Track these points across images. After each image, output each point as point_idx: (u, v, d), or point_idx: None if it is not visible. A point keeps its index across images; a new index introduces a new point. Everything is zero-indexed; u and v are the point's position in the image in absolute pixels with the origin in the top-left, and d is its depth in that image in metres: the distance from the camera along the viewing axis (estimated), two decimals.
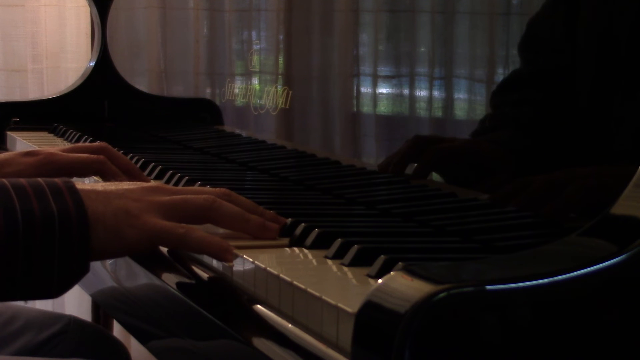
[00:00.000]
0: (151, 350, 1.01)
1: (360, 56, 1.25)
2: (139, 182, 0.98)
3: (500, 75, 0.98)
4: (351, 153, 1.26)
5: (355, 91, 1.25)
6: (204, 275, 0.91)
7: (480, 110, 1.01)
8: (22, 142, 1.79)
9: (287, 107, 1.41)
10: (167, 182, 1.27)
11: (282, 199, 1.26)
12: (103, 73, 2.06)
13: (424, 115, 1.10)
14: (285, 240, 0.94)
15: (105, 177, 1.20)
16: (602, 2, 0.87)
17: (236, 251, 0.88)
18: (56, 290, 0.87)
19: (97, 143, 1.28)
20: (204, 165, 1.52)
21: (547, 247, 0.69)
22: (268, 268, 0.82)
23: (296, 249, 0.92)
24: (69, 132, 1.81)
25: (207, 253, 0.90)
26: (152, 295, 1.00)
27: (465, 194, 1.00)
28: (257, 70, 1.54)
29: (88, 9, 2.38)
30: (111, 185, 0.93)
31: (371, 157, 1.21)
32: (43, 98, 2.13)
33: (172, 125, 1.87)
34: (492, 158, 0.98)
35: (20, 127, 1.97)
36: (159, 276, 0.96)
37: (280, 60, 1.47)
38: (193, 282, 0.92)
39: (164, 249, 0.97)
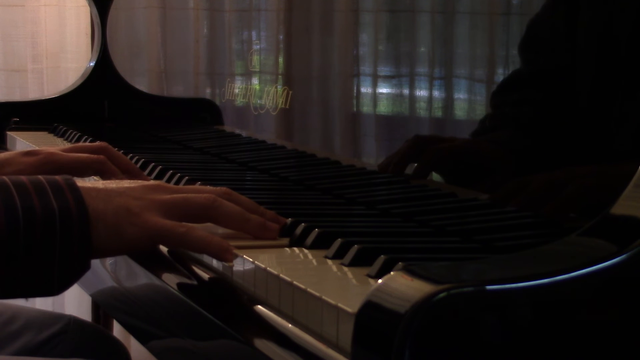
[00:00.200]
0: (151, 350, 1.01)
1: (360, 56, 1.25)
2: (140, 181, 0.98)
3: (500, 75, 0.98)
4: (351, 153, 1.26)
5: (355, 91, 1.25)
6: (204, 275, 0.91)
7: (480, 110, 1.01)
8: (22, 142, 1.79)
9: (287, 107, 1.41)
10: (167, 182, 1.27)
11: (282, 199, 1.26)
12: (103, 73, 2.06)
13: (424, 115, 1.10)
14: (285, 240, 0.94)
15: (105, 177, 1.20)
16: (602, 2, 0.87)
17: (236, 251, 0.88)
18: (57, 287, 0.87)
19: (97, 143, 1.28)
20: (204, 165, 1.52)
21: (547, 247, 0.69)
22: (268, 268, 0.82)
23: (296, 249, 0.92)
24: (69, 132, 1.81)
25: (207, 253, 0.90)
26: (152, 295, 1.00)
27: (465, 194, 1.00)
28: (257, 70, 1.54)
29: (88, 9, 2.38)
30: (112, 183, 0.93)
31: (371, 157, 1.21)
32: (43, 98, 2.13)
33: (172, 125, 1.87)
34: (492, 158, 0.98)
35: (20, 127, 1.97)
36: (159, 276, 0.96)
37: (280, 60, 1.47)
38: (193, 282, 0.92)
39: (164, 249, 0.97)
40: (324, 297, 0.72)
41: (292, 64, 1.45)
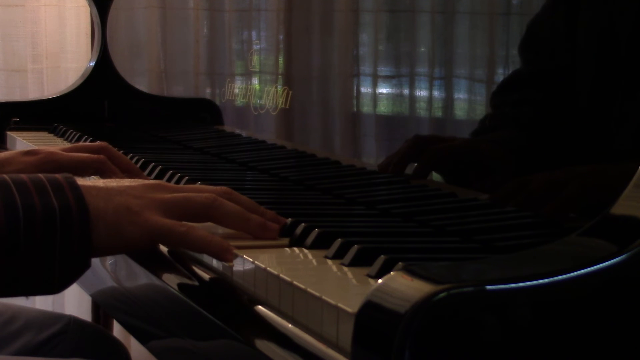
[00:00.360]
0: (151, 350, 1.01)
1: (360, 56, 1.25)
2: (140, 180, 0.98)
3: (500, 75, 0.98)
4: (351, 153, 1.26)
5: (355, 91, 1.25)
6: (204, 275, 0.91)
7: (480, 110, 1.01)
8: (22, 142, 1.79)
9: (287, 107, 1.41)
10: (168, 182, 1.27)
11: (282, 199, 1.26)
12: (103, 73, 2.06)
13: (424, 115, 1.10)
14: (286, 240, 0.94)
15: (105, 177, 1.20)
16: (602, 2, 0.87)
17: (236, 251, 0.88)
18: (57, 285, 0.87)
19: (98, 143, 1.28)
20: (204, 165, 1.52)
21: (547, 247, 0.69)
22: (268, 268, 0.82)
23: (296, 249, 0.92)
24: (69, 132, 1.81)
25: (207, 252, 0.90)
26: (152, 295, 1.00)
27: (465, 194, 1.00)
28: (257, 70, 1.54)
29: (88, 9, 2.38)
30: (112, 182, 0.93)
31: (371, 157, 1.21)
32: (43, 98, 2.13)
33: (172, 125, 1.87)
34: (492, 158, 0.98)
35: (20, 127, 1.97)
36: (159, 276, 0.96)
37: (280, 60, 1.47)
38: (193, 282, 0.92)
39: (164, 249, 0.97)
40: (324, 297, 0.72)
41: (292, 64, 1.45)
